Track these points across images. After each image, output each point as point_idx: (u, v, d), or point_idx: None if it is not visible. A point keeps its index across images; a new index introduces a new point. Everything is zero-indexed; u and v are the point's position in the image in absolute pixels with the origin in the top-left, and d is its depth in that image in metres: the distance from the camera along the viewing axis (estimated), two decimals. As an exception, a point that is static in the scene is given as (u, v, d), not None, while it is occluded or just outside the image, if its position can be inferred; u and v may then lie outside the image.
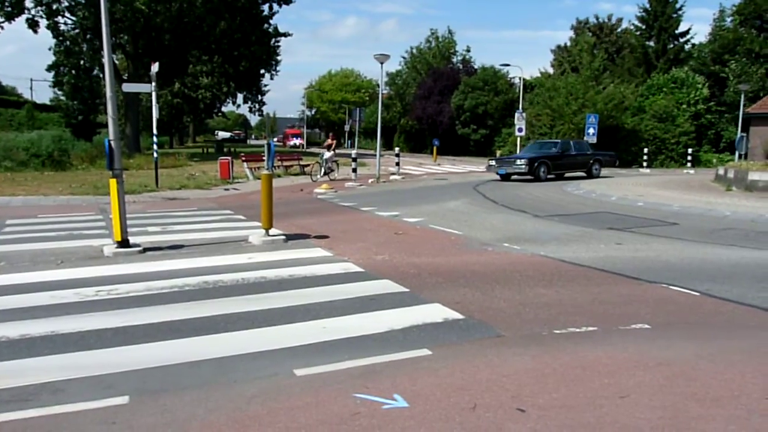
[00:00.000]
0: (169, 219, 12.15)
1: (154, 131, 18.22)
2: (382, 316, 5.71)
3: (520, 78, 41.35)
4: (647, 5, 42.33)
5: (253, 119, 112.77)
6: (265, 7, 40.23)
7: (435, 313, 5.80)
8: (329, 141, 24.37)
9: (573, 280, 7.21)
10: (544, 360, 4.62)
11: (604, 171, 25.27)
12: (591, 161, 24.36)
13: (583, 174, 24.13)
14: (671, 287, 6.85)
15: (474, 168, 30.45)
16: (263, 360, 4.60)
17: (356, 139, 31.54)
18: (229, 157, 22.99)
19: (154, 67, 17.32)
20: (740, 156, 27.29)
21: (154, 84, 17.15)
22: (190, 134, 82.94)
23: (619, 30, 47.85)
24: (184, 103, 47.69)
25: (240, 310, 5.81)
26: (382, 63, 21.70)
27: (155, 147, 18.81)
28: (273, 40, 42.64)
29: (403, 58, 58.36)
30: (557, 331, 5.33)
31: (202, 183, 19.98)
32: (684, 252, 9.01)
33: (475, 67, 50.45)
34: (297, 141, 68.67)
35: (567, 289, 6.78)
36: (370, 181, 21.64)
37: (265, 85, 48.53)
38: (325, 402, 3.85)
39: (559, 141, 25.12)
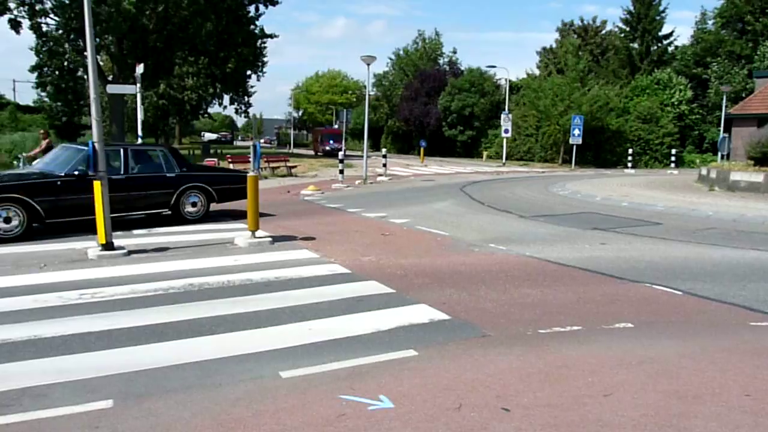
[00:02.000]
0: (154, 221, 12.05)
1: (139, 133, 18.09)
2: (368, 317, 5.72)
3: (506, 79, 41.64)
4: (631, 7, 42.77)
5: (240, 121, 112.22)
6: (252, 8, 40.12)
7: (421, 313, 5.82)
8: (43, 144, 15.60)
9: (558, 280, 7.27)
10: (528, 359, 4.66)
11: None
12: (177, 192, 11.66)
13: (165, 212, 11.89)
14: (654, 286, 6.93)
15: (461, 169, 30.55)
16: (248, 362, 4.58)
17: (343, 141, 31.48)
18: (216, 159, 22.89)
19: (139, 69, 17.22)
20: (722, 156, 27.60)
21: (139, 85, 17.04)
22: (176, 136, 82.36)
23: (603, 32, 48.29)
24: (170, 105, 47.42)
25: (225, 312, 5.79)
26: (368, 64, 21.71)
27: (140, 149, 18.66)
28: (259, 41, 42.49)
29: (390, 59, 58.49)
30: (542, 331, 5.36)
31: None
32: (667, 251, 9.11)
33: (462, 68, 50.63)
34: (336, 145, 43.53)
35: (552, 289, 6.83)
36: (357, 182, 21.63)
37: (252, 87, 48.42)
38: (310, 404, 3.85)
39: (90, 144, 9.65)
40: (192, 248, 9.18)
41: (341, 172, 21.63)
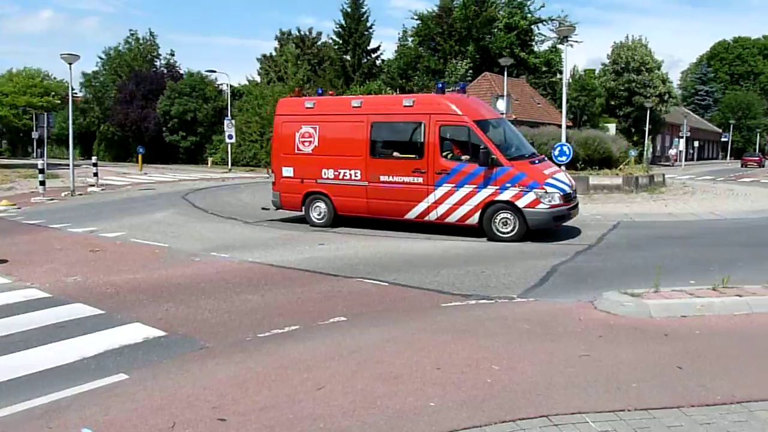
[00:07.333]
0: None
1: None
2: (71, 344, 5.19)
3: (227, 85, 41.24)
4: (343, 22, 45.75)
5: None
6: None
7: (134, 333, 5.46)
8: None
9: (278, 283, 7.45)
10: (247, 365, 4.69)
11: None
12: None
13: None
14: (365, 280, 7.54)
15: (184, 176, 29.34)
16: None
17: (45, 148, 27.93)
18: None
19: None
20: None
21: None
22: None
23: (319, 43, 50.75)
24: None
25: None
26: (70, 63, 19.59)
27: None
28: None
29: (101, 59, 53.50)
30: (261, 335, 5.45)
31: None
32: (378, 247, 9.97)
33: (182, 72, 48.71)
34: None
35: (272, 292, 6.98)
36: (63, 194, 19.33)
37: None
38: (-7, 454, 3.34)
39: None
40: None
41: (42, 183, 19.08)
